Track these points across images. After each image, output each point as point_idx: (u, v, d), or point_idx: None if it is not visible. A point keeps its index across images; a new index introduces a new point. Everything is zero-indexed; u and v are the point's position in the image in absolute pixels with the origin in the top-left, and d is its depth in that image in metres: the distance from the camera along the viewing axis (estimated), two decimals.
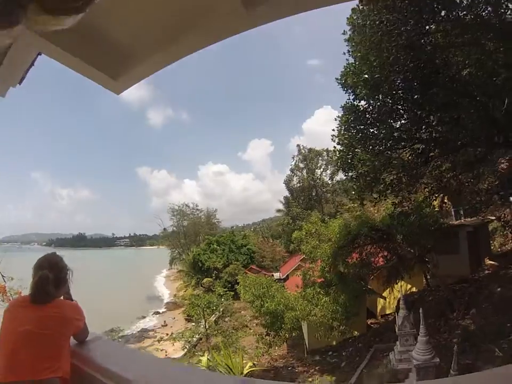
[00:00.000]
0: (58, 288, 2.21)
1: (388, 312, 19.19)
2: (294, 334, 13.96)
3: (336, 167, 13.42)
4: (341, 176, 47.09)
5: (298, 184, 49.34)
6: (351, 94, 12.88)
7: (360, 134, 12.22)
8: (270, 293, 13.47)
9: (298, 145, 50.37)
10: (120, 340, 29.57)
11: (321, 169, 49.04)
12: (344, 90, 13.04)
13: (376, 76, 11.04)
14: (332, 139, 12.86)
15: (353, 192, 14.15)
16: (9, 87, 2.02)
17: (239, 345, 14.25)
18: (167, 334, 31.69)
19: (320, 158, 48.95)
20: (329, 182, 48.68)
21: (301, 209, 46.01)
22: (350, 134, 12.17)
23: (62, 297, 2.31)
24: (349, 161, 12.32)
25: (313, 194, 48.99)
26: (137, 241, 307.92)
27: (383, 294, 16.89)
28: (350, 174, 12.76)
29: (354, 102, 12.82)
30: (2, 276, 7.70)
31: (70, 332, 2.15)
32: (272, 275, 35.05)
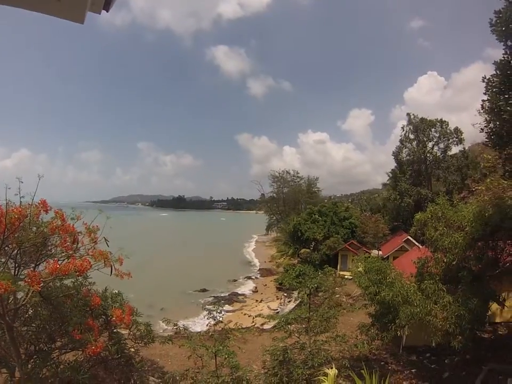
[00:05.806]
0: None
1: (497, 320, 16.69)
2: (407, 332, 12.22)
3: (486, 141, 10.67)
4: (454, 150, 41.84)
5: (408, 157, 45.00)
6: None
7: None
8: (388, 280, 11.81)
9: (408, 114, 45.47)
10: (210, 300, 31.25)
11: (433, 142, 43.92)
12: (500, 40, 10.19)
13: None
14: (482, 106, 10.24)
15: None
16: (86, 12, 1.89)
17: (339, 331, 12.96)
18: (257, 301, 32.34)
19: (433, 129, 43.50)
20: (441, 157, 43.47)
21: (409, 185, 42.12)
22: None
23: None
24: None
25: (423, 169, 44.37)
26: (234, 205, 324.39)
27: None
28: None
29: None
30: (106, 241, 7.43)
31: None
32: (370, 253, 32.98)
